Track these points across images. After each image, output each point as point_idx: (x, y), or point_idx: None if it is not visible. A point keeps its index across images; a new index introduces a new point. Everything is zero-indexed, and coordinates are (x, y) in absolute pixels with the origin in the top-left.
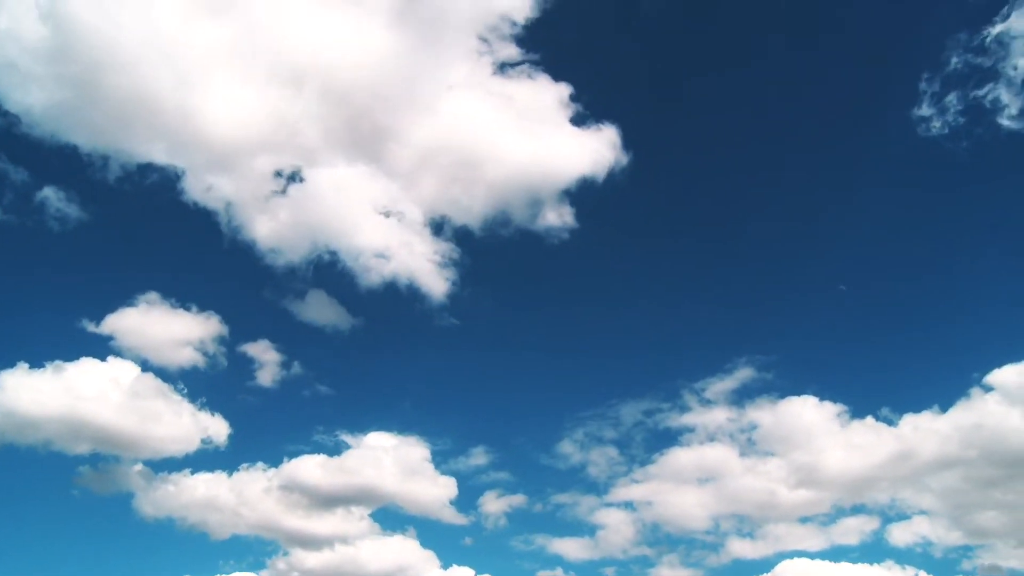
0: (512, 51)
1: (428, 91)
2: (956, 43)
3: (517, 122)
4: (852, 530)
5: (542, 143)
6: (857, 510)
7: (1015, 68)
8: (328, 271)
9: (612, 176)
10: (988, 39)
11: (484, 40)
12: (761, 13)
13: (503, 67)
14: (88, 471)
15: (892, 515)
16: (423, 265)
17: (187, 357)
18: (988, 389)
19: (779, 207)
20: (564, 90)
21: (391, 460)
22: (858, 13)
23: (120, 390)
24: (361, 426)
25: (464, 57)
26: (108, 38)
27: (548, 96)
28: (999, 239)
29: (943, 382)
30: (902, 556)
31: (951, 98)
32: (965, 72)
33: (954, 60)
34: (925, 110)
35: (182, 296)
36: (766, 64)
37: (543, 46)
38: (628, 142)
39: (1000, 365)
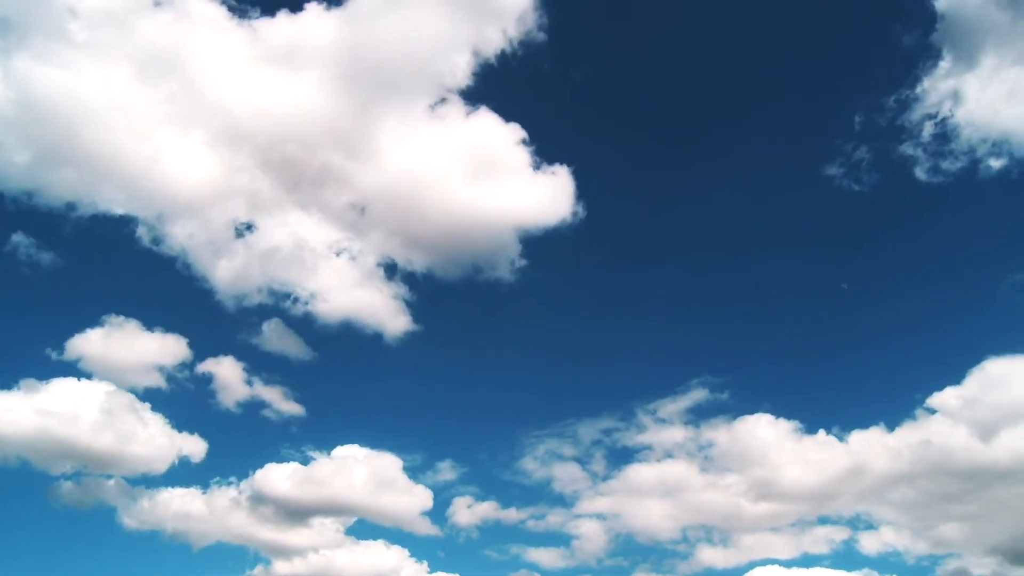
0: (463, 95)
1: (376, 137)
2: (870, 104)
3: (467, 165)
4: (821, 539)
5: (493, 186)
6: (823, 521)
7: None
8: (285, 311)
9: (565, 211)
10: (899, 99)
11: (434, 85)
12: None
13: (453, 111)
14: (70, 486)
15: (860, 525)
16: (377, 304)
17: (155, 378)
18: (931, 411)
19: (724, 239)
20: (516, 133)
21: (365, 472)
22: (787, 75)
23: (94, 409)
24: (331, 442)
25: (413, 102)
26: (68, 99)
27: (500, 139)
28: (929, 279)
29: (887, 403)
30: (874, 564)
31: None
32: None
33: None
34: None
35: (147, 320)
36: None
37: (495, 90)
38: (579, 177)
39: (940, 388)
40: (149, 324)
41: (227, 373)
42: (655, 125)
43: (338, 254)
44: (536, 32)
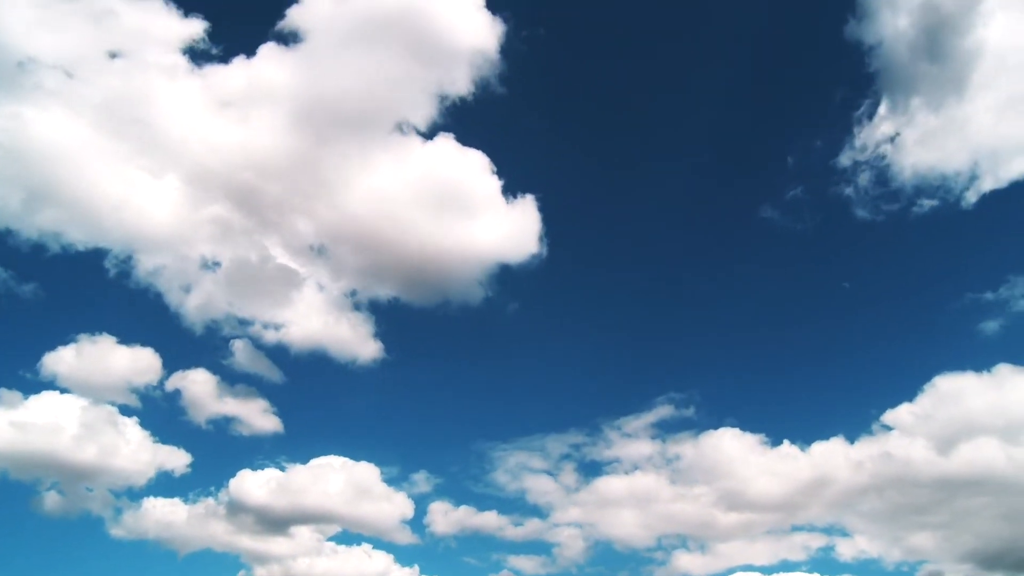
0: (423, 130)
1: (338, 171)
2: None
3: (430, 197)
4: (798, 546)
5: (459, 217)
6: (797, 529)
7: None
8: (256, 338)
9: (531, 240)
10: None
11: (394, 120)
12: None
13: (413, 144)
14: (54, 497)
15: (835, 533)
16: (346, 333)
17: (130, 393)
18: (888, 427)
19: (684, 263)
20: (480, 163)
21: (344, 482)
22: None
23: (75, 422)
24: (308, 453)
25: (373, 137)
26: (43, 144)
27: (463, 171)
28: (880, 304)
29: (847, 418)
30: (852, 570)
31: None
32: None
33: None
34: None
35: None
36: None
37: (457, 122)
38: (544, 206)
39: (895, 404)
40: (124, 340)
41: (201, 388)
42: (614, 155)
43: (304, 286)
44: (493, 71)
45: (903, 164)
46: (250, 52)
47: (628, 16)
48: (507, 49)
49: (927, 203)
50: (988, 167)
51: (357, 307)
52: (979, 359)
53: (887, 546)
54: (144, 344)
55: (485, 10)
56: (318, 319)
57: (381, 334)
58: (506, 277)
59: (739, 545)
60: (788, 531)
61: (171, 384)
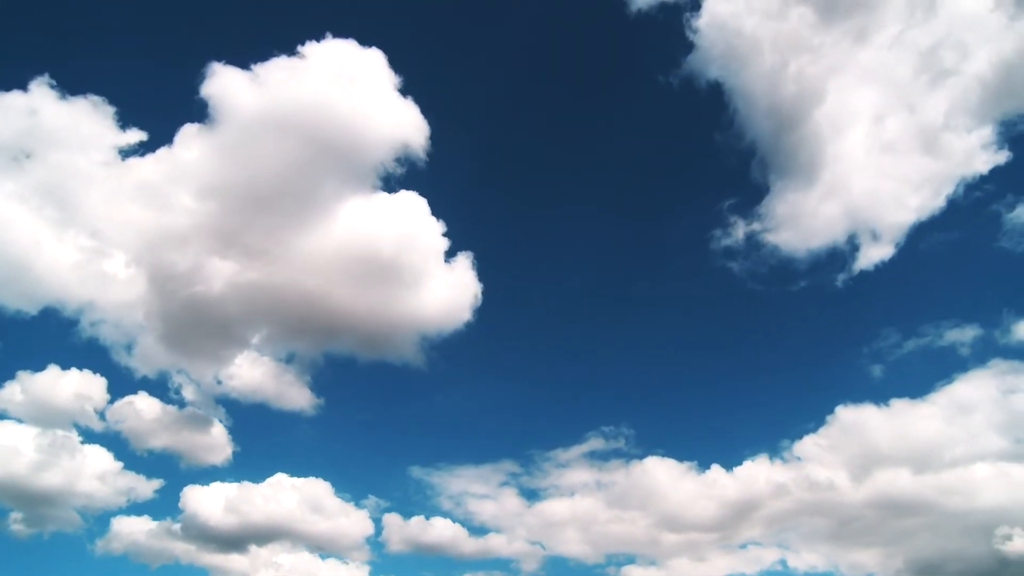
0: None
1: (266, 239)
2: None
3: (357, 266)
4: (747, 561)
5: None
6: (744, 546)
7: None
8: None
9: (466, 296)
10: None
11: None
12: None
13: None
14: (24, 519)
15: (783, 548)
16: (284, 388)
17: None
18: (798, 457)
19: (610, 314)
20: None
21: (300, 501)
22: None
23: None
24: (263, 474)
25: (293, 209)
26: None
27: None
28: (791, 344)
29: (764, 444)
30: None
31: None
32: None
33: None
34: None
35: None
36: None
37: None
38: (480, 262)
39: (804, 433)
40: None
41: (152, 413)
42: (539, 221)
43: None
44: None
45: (777, 243)
46: (168, 140)
47: (537, 122)
48: (433, 140)
49: (802, 280)
50: (864, 237)
51: (288, 361)
52: (875, 393)
53: (831, 562)
54: (93, 371)
55: (401, 97)
56: (255, 378)
57: (316, 386)
58: (443, 336)
59: (687, 561)
60: (736, 547)
61: (122, 409)
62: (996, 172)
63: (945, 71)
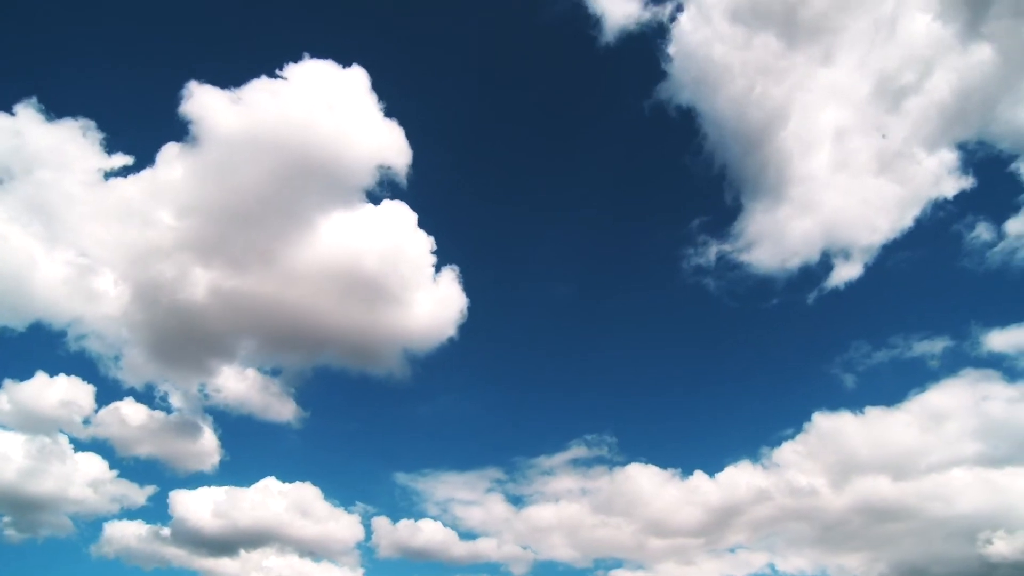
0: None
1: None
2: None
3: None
4: (735, 565)
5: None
6: (732, 550)
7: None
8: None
9: (453, 310)
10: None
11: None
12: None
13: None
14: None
15: (770, 552)
16: (270, 401)
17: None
18: (777, 464)
19: (591, 329)
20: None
21: (291, 506)
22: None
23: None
24: (253, 478)
25: (272, 227)
26: None
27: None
28: (766, 355)
29: (745, 451)
30: None
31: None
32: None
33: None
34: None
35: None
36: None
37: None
38: (466, 280)
39: (783, 440)
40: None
41: (140, 419)
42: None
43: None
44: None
45: (749, 262)
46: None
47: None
48: (415, 158)
49: (775, 298)
50: (832, 257)
51: (274, 375)
52: (850, 402)
53: (818, 566)
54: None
55: (384, 116)
56: (241, 392)
57: (301, 398)
58: (428, 350)
59: (675, 565)
60: (724, 551)
61: (110, 415)
62: (958, 194)
63: (905, 95)
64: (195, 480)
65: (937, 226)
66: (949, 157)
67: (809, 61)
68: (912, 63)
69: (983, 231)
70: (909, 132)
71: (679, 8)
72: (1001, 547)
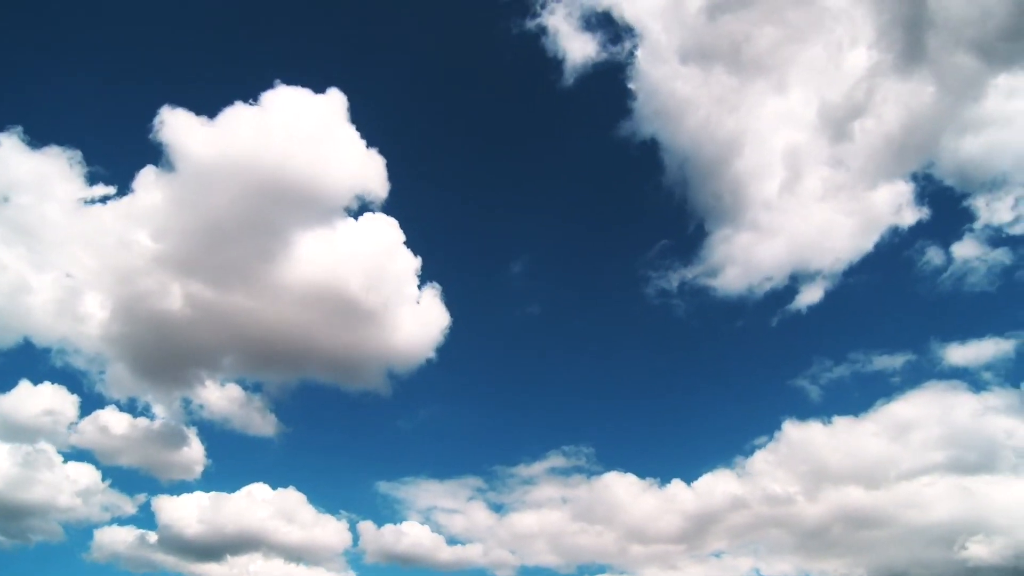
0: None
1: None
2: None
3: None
4: (721, 570)
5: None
6: (718, 555)
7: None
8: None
9: (436, 327)
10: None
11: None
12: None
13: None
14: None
15: (753, 557)
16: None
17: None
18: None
19: (565, 345)
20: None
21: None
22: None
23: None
24: (238, 483)
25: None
26: None
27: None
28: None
29: (719, 459)
30: None
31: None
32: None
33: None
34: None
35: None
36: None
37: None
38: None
39: (755, 449)
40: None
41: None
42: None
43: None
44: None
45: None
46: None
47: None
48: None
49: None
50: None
51: (254, 391)
52: (818, 411)
53: (800, 571)
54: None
55: (361, 140)
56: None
57: (281, 412)
58: (407, 364)
59: (659, 571)
60: (709, 556)
61: (97, 424)
62: (909, 221)
63: (852, 125)
64: (179, 487)
65: (891, 252)
66: (900, 185)
67: (761, 92)
68: (857, 94)
69: (934, 256)
70: (860, 161)
71: (635, 47)
72: (981, 551)
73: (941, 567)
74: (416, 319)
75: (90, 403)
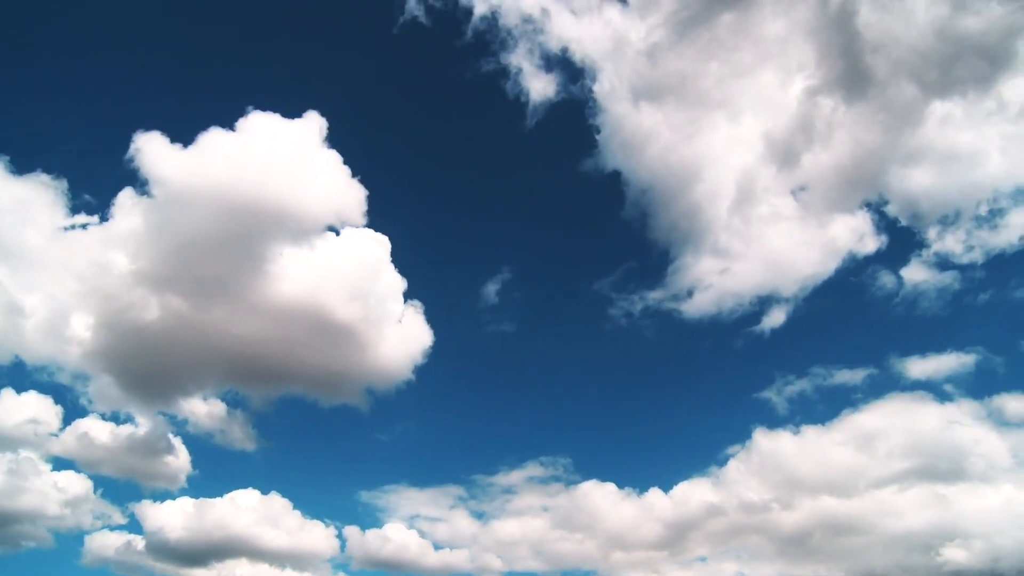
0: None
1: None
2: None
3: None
4: (711, 574)
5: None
6: (703, 559)
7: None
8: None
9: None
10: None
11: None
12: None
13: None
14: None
15: (737, 561)
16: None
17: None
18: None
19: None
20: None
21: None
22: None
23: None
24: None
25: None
26: None
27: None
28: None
29: (695, 468)
30: None
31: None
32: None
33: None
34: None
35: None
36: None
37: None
38: (428, 309)
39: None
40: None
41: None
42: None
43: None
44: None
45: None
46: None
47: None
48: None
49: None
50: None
51: (234, 405)
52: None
53: (784, 571)
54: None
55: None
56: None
57: (264, 428)
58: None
59: (643, 575)
60: (694, 560)
61: (82, 433)
62: (861, 247)
63: (801, 156)
64: (164, 494)
65: (845, 276)
66: (853, 213)
67: (712, 125)
68: (806, 127)
69: (886, 280)
70: (816, 190)
71: (592, 85)
72: (958, 556)
73: (921, 572)
74: (399, 337)
75: (74, 415)
